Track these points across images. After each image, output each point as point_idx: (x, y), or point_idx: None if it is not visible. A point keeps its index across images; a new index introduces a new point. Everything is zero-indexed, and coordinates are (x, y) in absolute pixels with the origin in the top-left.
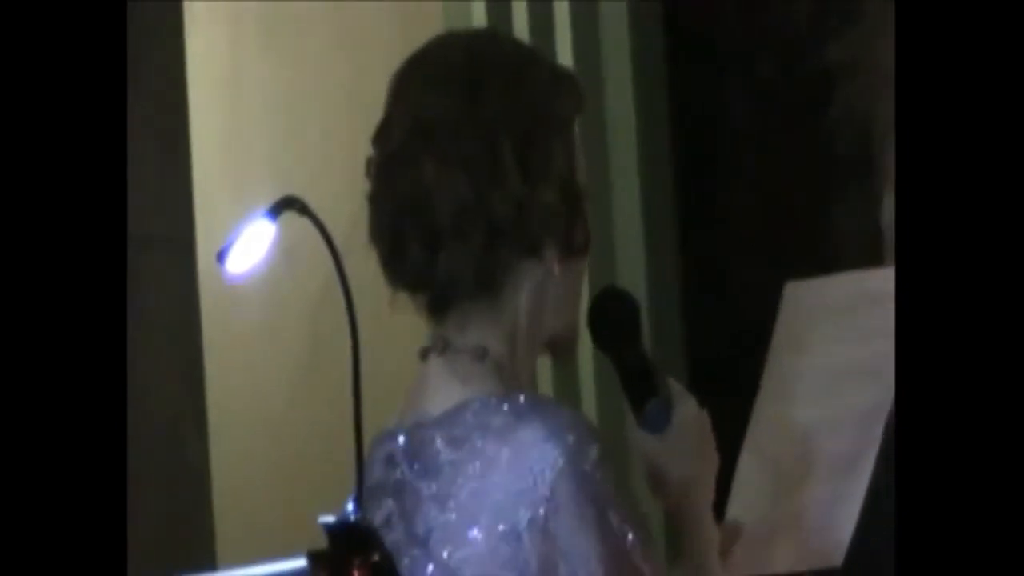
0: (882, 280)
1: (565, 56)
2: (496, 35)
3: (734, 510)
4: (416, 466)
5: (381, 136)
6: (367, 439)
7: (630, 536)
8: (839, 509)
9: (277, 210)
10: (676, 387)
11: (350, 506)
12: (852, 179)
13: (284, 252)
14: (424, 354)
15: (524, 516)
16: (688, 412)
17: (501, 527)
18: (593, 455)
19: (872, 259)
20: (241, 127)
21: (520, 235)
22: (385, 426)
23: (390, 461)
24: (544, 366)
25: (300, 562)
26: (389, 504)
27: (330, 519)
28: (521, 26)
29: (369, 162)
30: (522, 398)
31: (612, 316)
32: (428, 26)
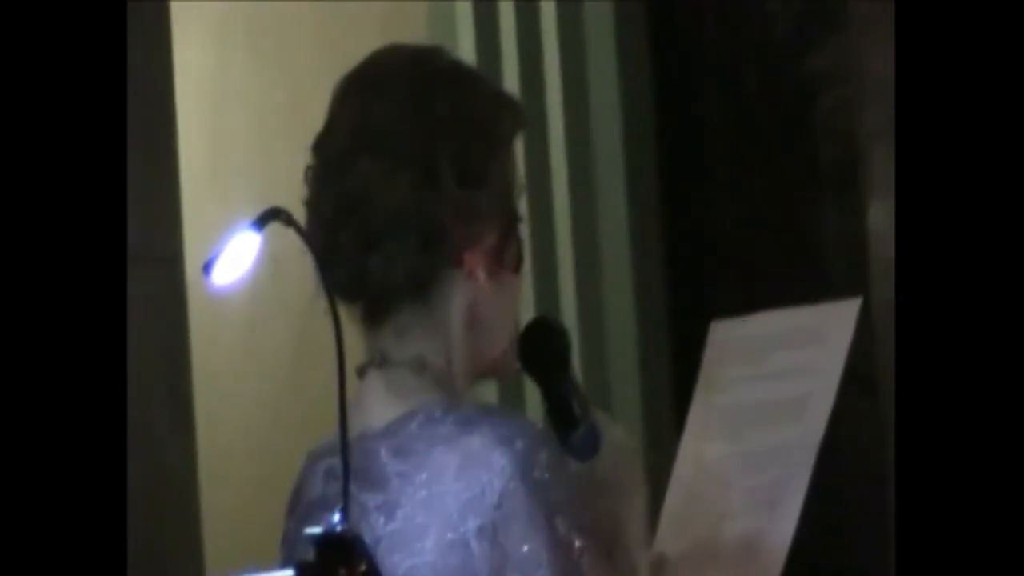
0: (804, 318)
1: (551, 60)
2: (441, 50)
3: (659, 544)
4: (360, 478)
5: (322, 142)
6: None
7: (578, 543)
8: (770, 541)
9: (263, 221)
10: (603, 417)
11: (336, 517)
12: (838, 188)
13: (269, 262)
14: (362, 370)
15: (473, 524)
16: (616, 441)
17: (450, 536)
18: (543, 461)
19: (858, 268)
20: (226, 138)
21: (452, 240)
22: (320, 442)
23: (330, 475)
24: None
25: (288, 573)
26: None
27: (317, 530)
28: (507, 29)
29: (308, 169)
30: (468, 407)
31: (542, 345)
32: (412, 36)
